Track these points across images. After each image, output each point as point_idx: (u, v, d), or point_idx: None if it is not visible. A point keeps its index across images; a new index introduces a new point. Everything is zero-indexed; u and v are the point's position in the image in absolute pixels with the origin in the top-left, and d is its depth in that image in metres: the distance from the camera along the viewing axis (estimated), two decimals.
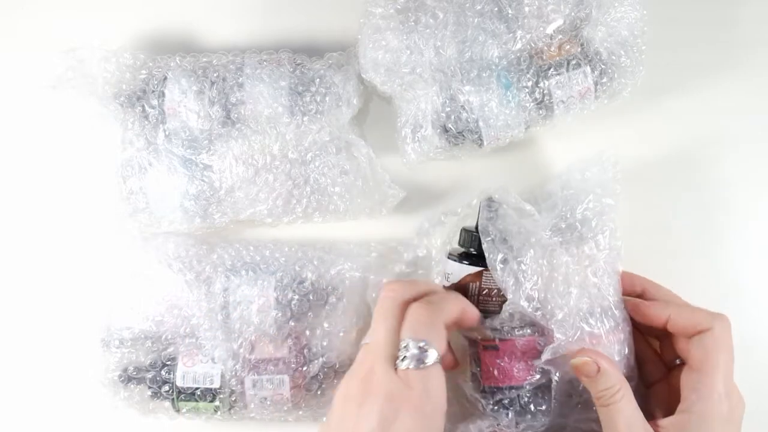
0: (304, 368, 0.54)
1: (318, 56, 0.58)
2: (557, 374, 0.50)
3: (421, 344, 0.44)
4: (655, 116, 0.60)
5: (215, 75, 0.56)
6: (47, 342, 0.61)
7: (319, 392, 0.54)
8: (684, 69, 0.60)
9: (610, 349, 0.49)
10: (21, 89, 0.62)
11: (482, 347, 0.51)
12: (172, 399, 0.54)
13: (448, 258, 0.54)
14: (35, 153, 0.62)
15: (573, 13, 0.54)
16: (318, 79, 0.56)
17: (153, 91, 0.55)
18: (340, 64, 0.57)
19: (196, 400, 0.54)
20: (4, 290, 0.61)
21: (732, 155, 0.60)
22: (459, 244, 0.55)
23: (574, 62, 0.54)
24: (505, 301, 0.50)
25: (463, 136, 0.55)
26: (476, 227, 0.52)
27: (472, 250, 0.53)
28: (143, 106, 0.56)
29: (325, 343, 0.55)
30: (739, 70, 0.61)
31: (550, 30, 0.54)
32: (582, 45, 0.55)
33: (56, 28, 0.62)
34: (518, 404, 0.50)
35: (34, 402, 0.60)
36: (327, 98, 0.56)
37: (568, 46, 0.55)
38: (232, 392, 0.54)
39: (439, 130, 0.55)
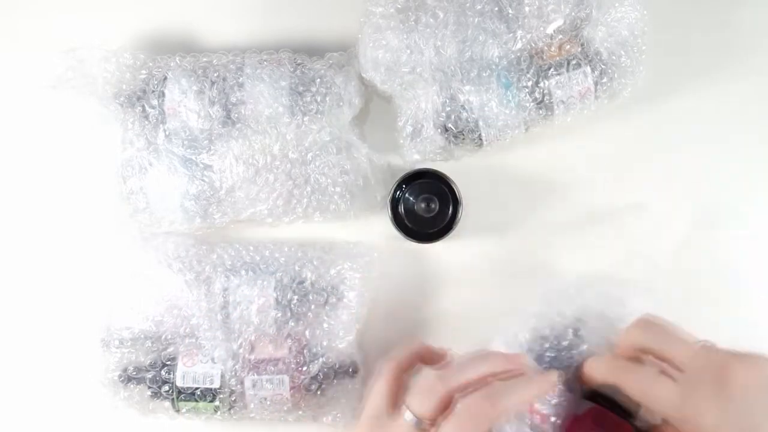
0: (304, 368, 0.54)
1: (318, 56, 0.58)
2: None
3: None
4: (655, 116, 0.60)
5: (215, 75, 0.56)
6: (47, 342, 0.60)
7: (319, 392, 0.54)
8: (684, 70, 0.60)
9: None
10: (21, 89, 0.62)
11: None
12: (172, 399, 0.54)
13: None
14: (35, 153, 0.62)
15: (573, 13, 0.54)
16: (318, 79, 0.56)
17: (153, 91, 0.55)
18: (341, 64, 0.57)
19: (196, 400, 0.54)
20: (4, 290, 0.61)
21: (731, 156, 0.60)
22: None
23: (574, 62, 0.54)
24: None
25: (463, 135, 0.55)
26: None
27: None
28: (143, 106, 0.56)
29: (325, 343, 0.55)
30: (740, 71, 0.61)
31: (550, 30, 0.54)
32: (582, 45, 0.55)
33: (56, 28, 0.62)
34: None
35: (34, 402, 0.60)
36: (327, 98, 0.56)
37: (568, 46, 0.55)
38: (232, 392, 0.54)
39: (439, 130, 0.55)
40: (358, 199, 0.57)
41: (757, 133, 0.61)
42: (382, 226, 0.58)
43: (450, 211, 0.55)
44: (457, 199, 0.54)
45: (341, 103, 0.56)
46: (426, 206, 0.54)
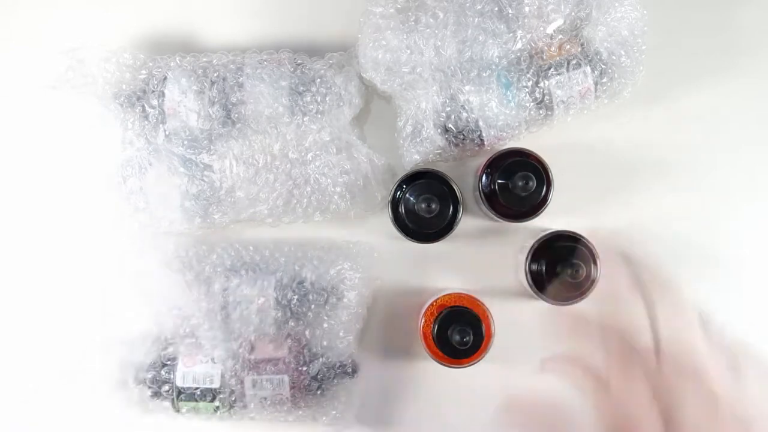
0: (304, 368, 0.54)
1: (318, 56, 0.58)
2: None
3: None
4: (654, 117, 0.60)
5: (215, 75, 0.56)
6: (47, 342, 0.60)
7: (319, 392, 0.54)
8: (684, 70, 0.60)
9: None
10: (21, 89, 0.62)
11: None
12: (172, 399, 0.54)
13: None
14: (36, 153, 0.62)
15: (573, 13, 0.54)
16: (318, 79, 0.56)
17: (153, 91, 0.55)
18: (341, 65, 0.57)
19: (196, 400, 0.54)
20: (4, 290, 0.61)
21: (730, 156, 0.60)
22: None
23: (574, 62, 0.54)
24: None
25: (464, 135, 0.55)
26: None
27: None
28: (143, 106, 0.56)
29: (325, 343, 0.55)
30: (740, 71, 0.61)
31: (550, 30, 0.54)
32: (582, 45, 0.55)
33: (56, 27, 0.62)
34: None
35: (34, 402, 0.60)
36: (327, 98, 0.56)
37: (568, 46, 0.55)
38: (232, 392, 0.54)
39: (439, 130, 0.55)
40: (358, 199, 0.57)
41: (757, 133, 0.61)
42: (382, 226, 0.58)
43: (450, 211, 0.55)
44: (457, 199, 0.54)
45: (341, 103, 0.56)
46: (426, 206, 0.54)
